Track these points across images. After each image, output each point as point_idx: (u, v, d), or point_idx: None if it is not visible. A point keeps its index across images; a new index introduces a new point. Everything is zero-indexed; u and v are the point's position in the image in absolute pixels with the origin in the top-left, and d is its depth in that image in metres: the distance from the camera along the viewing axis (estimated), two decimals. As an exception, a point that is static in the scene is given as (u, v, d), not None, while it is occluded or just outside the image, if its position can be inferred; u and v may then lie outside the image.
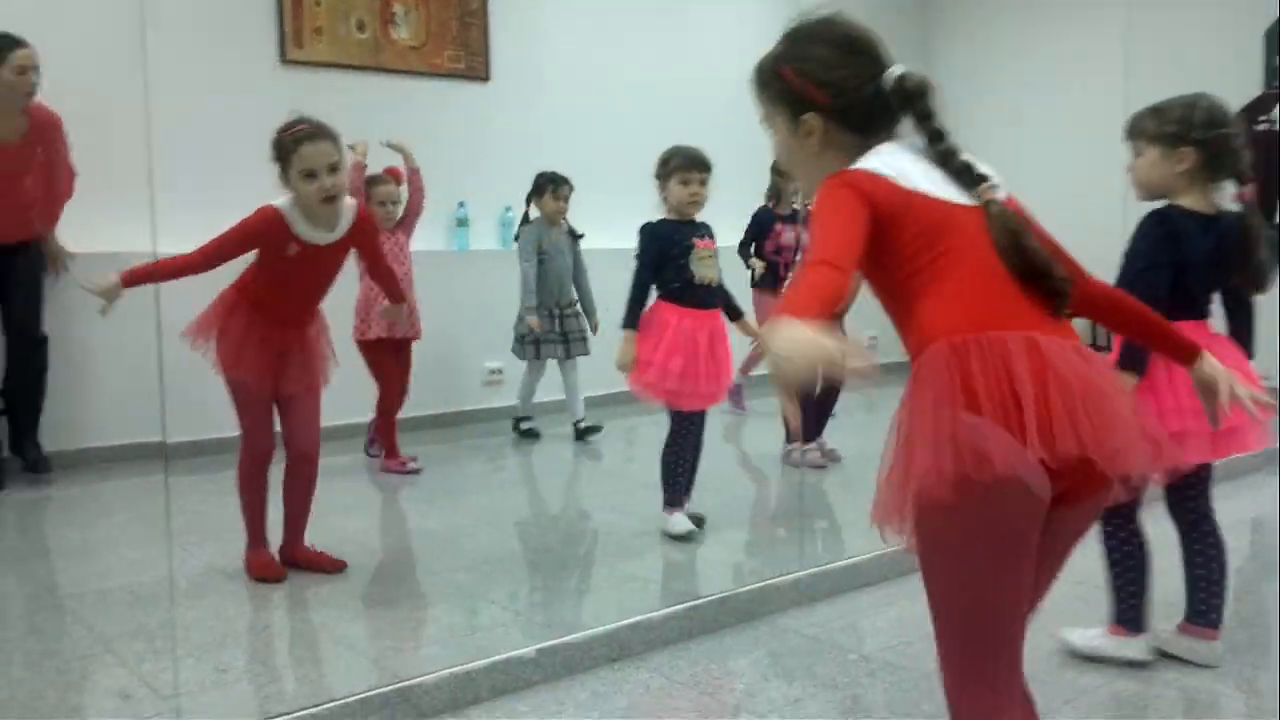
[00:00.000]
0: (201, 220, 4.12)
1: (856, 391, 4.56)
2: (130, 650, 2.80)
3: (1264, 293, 2.65)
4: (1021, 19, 7.63)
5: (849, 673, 2.77)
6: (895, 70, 1.61)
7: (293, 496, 3.39)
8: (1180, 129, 2.53)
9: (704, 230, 3.80)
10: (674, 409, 3.81)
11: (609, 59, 6.48)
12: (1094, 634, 2.79)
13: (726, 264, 3.92)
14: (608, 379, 5.60)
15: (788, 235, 5.86)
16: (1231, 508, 3.07)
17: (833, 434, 4.94)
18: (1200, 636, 2.74)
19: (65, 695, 2.56)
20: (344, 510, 4.11)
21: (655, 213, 3.79)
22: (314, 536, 3.46)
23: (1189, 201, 2.56)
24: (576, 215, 5.67)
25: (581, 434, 5.61)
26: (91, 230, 4.74)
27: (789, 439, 4.99)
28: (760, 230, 5.80)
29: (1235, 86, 3.51)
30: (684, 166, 3.70)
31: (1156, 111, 2.58)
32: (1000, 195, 1.58)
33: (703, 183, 3.73)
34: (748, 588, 3.18)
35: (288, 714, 2.39)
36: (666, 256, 3.72)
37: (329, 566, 3.40)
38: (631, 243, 3.77)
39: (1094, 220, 4.47)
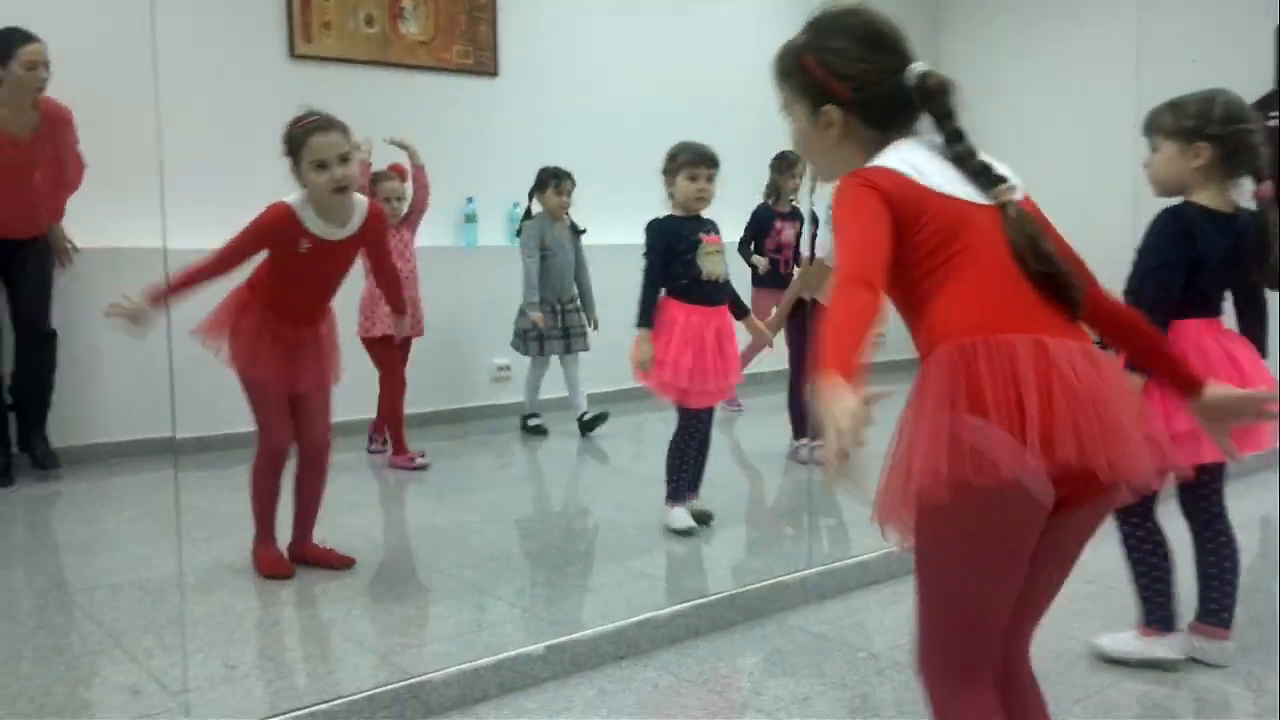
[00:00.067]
0: (210, 214, 4.13)
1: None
2: (139, 646, 2.80)
3: None
4: (1032, 15, 7.60)
5: (858, 671, 2.76)
6: (917, 67, 1.60)
7: (303, 493, 3.40)
8: (1197, 124, 2.51)
9: (710, 226, 3.80)
10: (683, 406, 3.80)
11: (617, 55, 6.47)
12: (1125, 638, 2.77)
13: (728, 262, 3.91)
14: (611, 375, 5.62)
15: (788, 232, 5.86)
16: (1242, 506, 3.06)
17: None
18: (1212, 636, 2.72)
19: (75, 690, 2.56)
20: (351, 507, 4.11)
21: (664, 209, 3.79)
22: (321, 533, 3.46)
23: (1205, 198, 2.54)
24: (584, 211, 5.67)
25: (586, 426, 5.61)
26: (100, 225, 4.76)
27: (796, 435, 4.98)
28: (761, 228, 5.80)
29: (1249, 83, 3.48)
30: (691, 162, 3.70)
31: (1174, 106, 2.56)
32: (1017, 196, 1.57)
33: (710, 178, 3.72)
34: (756, 585, 3.18)
35: (297, 710, 2.39)
36: (673, 253, 3.71)
37: (337, 563, 3.40)
38: (640, 238, 3.76)
39: (1103, 220, 4.47)
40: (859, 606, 3.24)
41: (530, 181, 5.59)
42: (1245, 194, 2.61)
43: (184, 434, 4.75)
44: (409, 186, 4.95)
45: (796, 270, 5.84)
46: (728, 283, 3.84)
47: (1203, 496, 2.73)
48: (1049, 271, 1.52)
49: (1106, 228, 3.83)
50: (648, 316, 3.68)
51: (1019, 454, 1.40)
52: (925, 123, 1.63)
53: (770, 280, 5.75)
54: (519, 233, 5.61)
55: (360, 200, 3.28)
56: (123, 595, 3.19)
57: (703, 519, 3.88)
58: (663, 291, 3.75)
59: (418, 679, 2.54)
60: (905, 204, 1.52)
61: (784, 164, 5.81)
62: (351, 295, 4.59)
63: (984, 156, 1.59)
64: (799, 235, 5.88)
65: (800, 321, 4.76)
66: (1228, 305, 2.72)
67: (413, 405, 5.14)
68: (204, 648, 2.77)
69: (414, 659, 2.71)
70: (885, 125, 1.62)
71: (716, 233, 3.82)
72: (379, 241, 3.44)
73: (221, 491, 4.39)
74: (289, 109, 3.19)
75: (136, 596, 3.18)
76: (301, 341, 3.30)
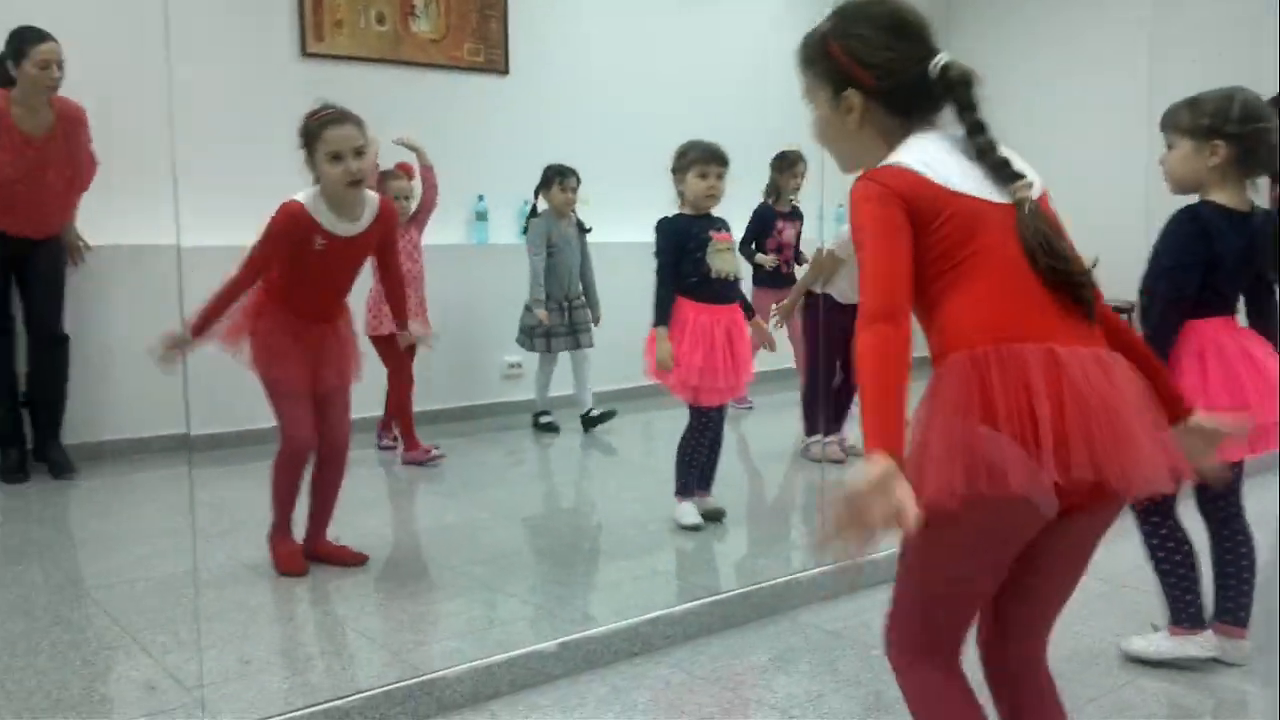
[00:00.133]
0: (223, 212, 4.17)
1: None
2: (155, 641, 2.82)
3: None
4: (1044, 12, 7.57)
5: (871, 668, 2.76)
6: (941, 58, 1.60)
7: (320, 491, 3.41)
8: (1214, 122, 2.49)
9: (720, 224, 3.80)
10: (694, 404, 3.80)
11: (628, 52, 6.47)
12: (1156, 639, 2.76)
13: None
14: (622, 373, 5.63)
15: (789, 232, 5.87)
16: (1254, 504, 3.04)
17: (853, 428, 4.92)
18: (1229, 635, 2.71)
19: (91, 686, 2.57)
20: (363, 504, 4.12)
21: (673, 207, 3.79)
22: (335, 530, 3.47)
23: (1222, 197, 2.53)
24: (595, 209, 5.67)
25: (590, 423, 5.64)
26: (113, 223, 4.77)
27: (809, 431, 4.98)
28: (762, 228, 5.80)
29: (1267, 82, 3.46)
30: (701, 160, 3.69)
31: (1192, 104, 2.54)
32: (1034, 194, 1.56)
33: (720, 176, 3.72)
34: (769, 582, 3.18)
35: (311, 706, 2.40)
36: (683, 251, 3.71)
37: (350, 560, 3.41)
38: (651, 236, 3.76)
39: (1116, 218, 4.45)
40: (872, 604, 3.22)
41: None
42: (1262, 193, 2.59)
43: (198, 431, 4.77)
44: (416, 185, 4.96)
45: (798, 269, 5.87)
46: (738, 281, 3.84)
47: (1220, 496, 2.72)
48: (1059, 269, 1.51)
49: (1120, 226, 3.83)
50: (664, 315, 3.68)
51: (1030, 469, 1.41)
52: (946, 116, 1.63)
53: (772, 280, 5.75)
54: (525, 230, 5.62)
55: (372, 196, 3.28)
56: (138, 591, 3.21)
57: (715, 516, 3.88)
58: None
59: (431, 675, 2.55)
60: (920, 203, 1.51)
61: (784, 164, 5.81)
62: (359, 293, 4.60)
63: (1004, 151, 1.58)
64: (799, 235, 5.89)
65: (814, 317, 4.75)
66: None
67: (424, 402, 5.16)
68: (219, 643, 2.78)
69: (427, 656, 2.72)
70: (906, 114, 1.62)
71: (727, 230, 3.82)
72: (389, 238, 3.44)
73: (235, 488, 4.41)
74: (301, 107, 3.20)
75: (152, 592, 3.19)
76: (321, 339, 3.30)
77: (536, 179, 5.61)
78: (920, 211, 1.51)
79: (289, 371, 3.22)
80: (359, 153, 3.12)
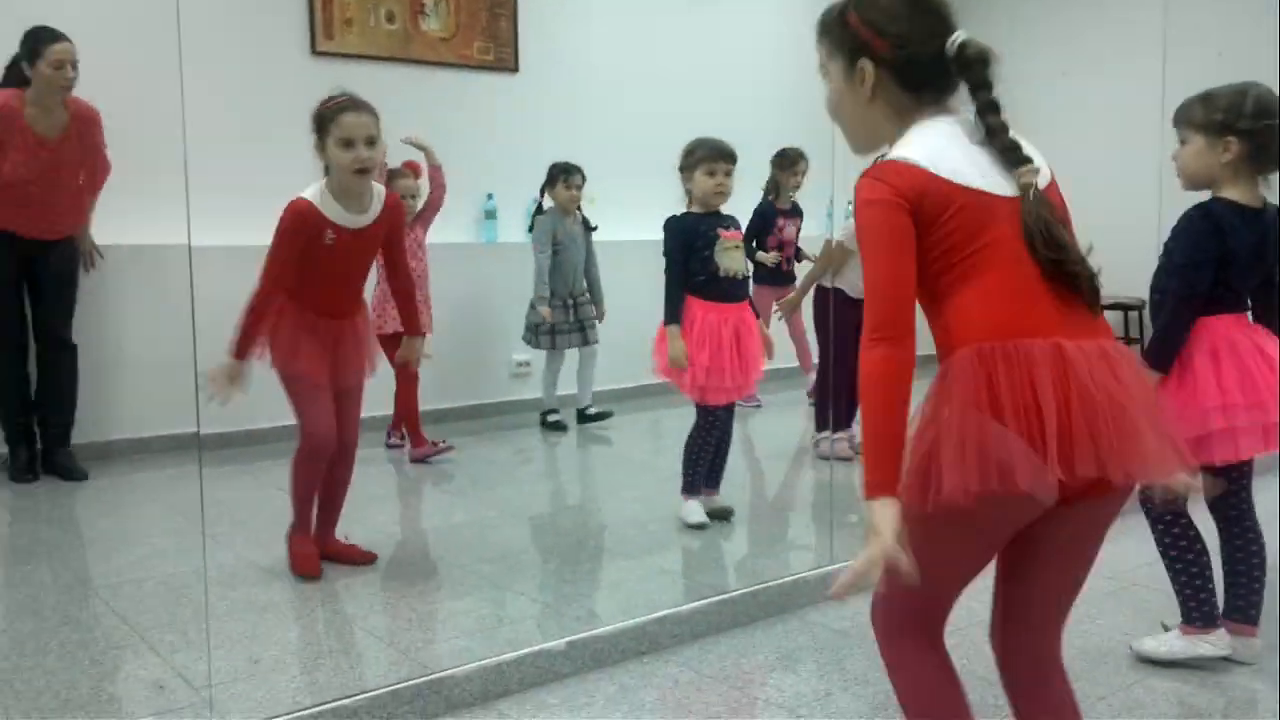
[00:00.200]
0: (233, 210, 4.17)
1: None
2: (163, 641, 2.82)
3: None
4: (1056, 4, 7.53)
5: (879, 668, 2.71)
6: (960, 35, 1.59)
7: (330, 489, 3.40)
8: (1227, 118, 2.48)
9: (730, 222, 3.79)
10: (701, 403, 3.79)
11: (638, 51, 6.46)
12: (1168, 639, 2.74)
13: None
14: (628, 371, 5.63)
15: (790, 229, 5.87)
16: (1264, 502, 3.03)
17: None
18: (1240, 632, 2.70)
19: (99, 685, 2.58)
20: (372, 502, 4.12)
21: (683, 206, 3.78)
22: (343, 529, 3.47)
23: (1234, 193, 2.51)
24: (604, 207, 5.67)
25: (585, 418, 5.68)
26: (123, 222, 4.78)
27: (819, 428, 4.96)
28: (764, 225, 5.80)
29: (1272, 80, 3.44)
30: (709, 157, 3.68)
31: (1205, 99, 2.52)
32: (1041, 181, 1.56)
33: (728, 173, 3.71)
34: (777, 581, 3.17)
35: (320, 705, 2.40)
36: (691, 249, 3.70)
37: (359, 559, 3.41)
38: (660, 235, 3.75)
39: (1128, 213, 4.43)
40: (881, 603, 3.22)
41: (549, 178, 5.62)
42: (1275, 189, 2.58)
43: (206, 430, 4.77)
44: (423, 184, 4.96)
45: (799, 267, 5.88)
46: (747, 279, 3.83)
47: (1230, 494, 2.71)
48: (1058, 259, 1.51)
49: (1131, 225, 3.80)
50: (675, 313, 3.67)
51: (1037, 467, 1.42)
52: (957, 100, 1.63)
53: (772, 277, 5.75)
54: (531, 228, 5.63)
55: (378, 188, 3.28)
56: (146, 590, 3.21)
57: (724, 515, 3.88)
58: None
59: (440, 674, 2.55)
60: (925, 201, 1.51)
61: (785, 161, 5.82)
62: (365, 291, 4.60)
63: (1015, 135, 1.58)
64: (799, 232, 5.89)
65: (824, 312, 4.75)
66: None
67: (433, 401, 5.16)
68: (227, 643, 2.78)
69: (435, 654, 2.72)
70: (919, 89, 1.61)
71: (736, 228, 3.81)
72: (397, 232, 3.42)
73: (243, 487, 4.42)
74: (310, 105, 3.20)
75: (160, 592, 3.20)
76: (339, 335, 3.29)
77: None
78: (925, 209, 1.51)
79: (310, 368, 3.21)
80: (371, 142, 3.11)
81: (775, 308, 5.25)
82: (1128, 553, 3.03)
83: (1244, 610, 2.70)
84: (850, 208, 1.68)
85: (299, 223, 3.13)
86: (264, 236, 3.17)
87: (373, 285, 4.65)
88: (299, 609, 3.11)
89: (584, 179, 5.57)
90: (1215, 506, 2.75)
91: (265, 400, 3.32)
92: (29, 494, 4.38)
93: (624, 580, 3.38)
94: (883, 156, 1.62)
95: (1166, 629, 2.77)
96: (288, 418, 3.34)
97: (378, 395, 4.74)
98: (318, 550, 3.37)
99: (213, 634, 2.81)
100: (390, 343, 4.74)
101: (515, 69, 6.17)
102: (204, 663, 2.64)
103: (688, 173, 3.73)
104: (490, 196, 6.05)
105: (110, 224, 4.79)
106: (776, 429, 5.80)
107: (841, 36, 1.64)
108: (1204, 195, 2.57)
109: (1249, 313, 2.61)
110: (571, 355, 5.72)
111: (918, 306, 1.58)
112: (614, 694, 2.62)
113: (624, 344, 5.42)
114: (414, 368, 4.12)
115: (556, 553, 3.72)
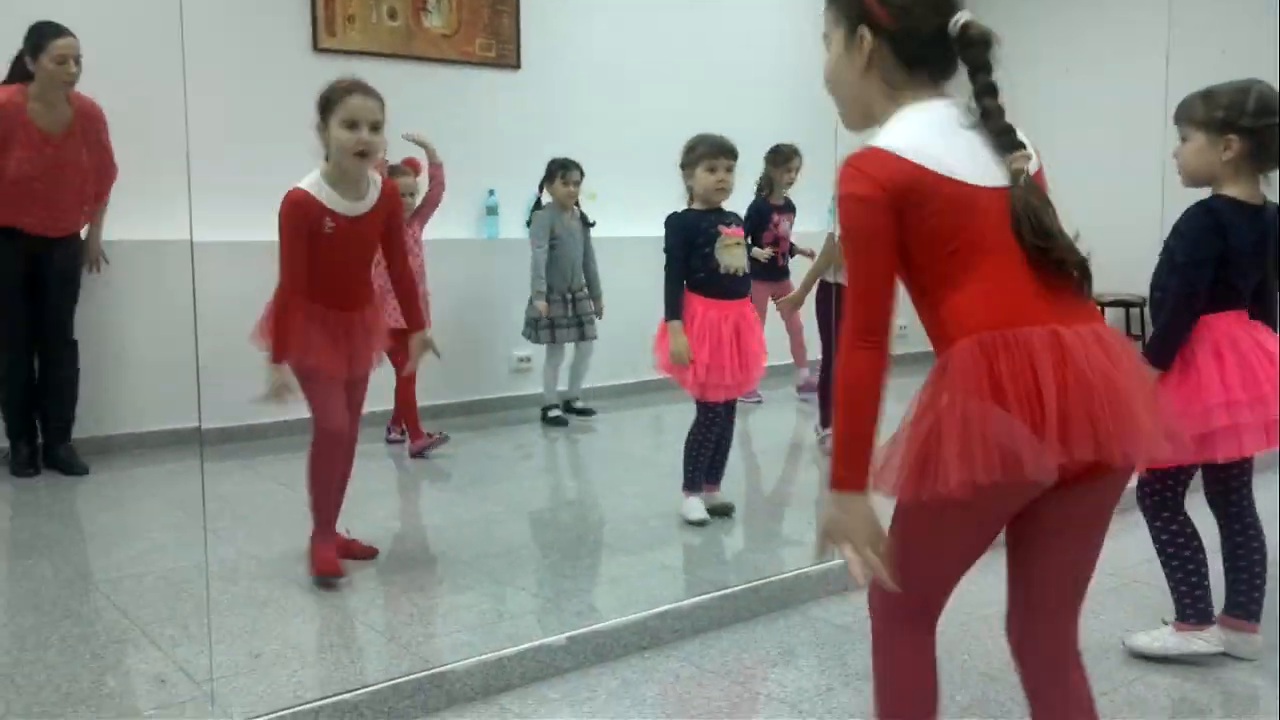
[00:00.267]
0: (235, 206, 4.17)
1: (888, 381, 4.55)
2: (164, 635, 2.82)
3: None
4: (1059, 4, 7.53)
5: (880, 663, 2.75)
6: (963, 15, 1.59)
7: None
8: (1229, 115, 2.48)
9: (731, 218, 3.79)
10: (701, 399, 3.79)
11: (639, 48, 6.46)
12: (1161, 634, 2.74)
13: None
14: (628, 367, 5.64)
15: (784, 225, 5.88)
16: (1264, 499, 3.03)
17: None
18: (1239, 628, 2.70)
19: (101, 679, 2.58)
20: (372, 497, 4.12)
21: (684, 202, 3.78)
22: (344, 524, 3.47)
23: (1234, 191, 2.51)
24: (605, 204, 5.67)
25: (572, 410, 5.73)
26: (127, 219, 4.78)
27: (825, 424, 4.97)
28: (759, 221, 5.80)
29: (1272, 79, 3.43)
30: (711, 154, 3.68)
31: (1207, 96, 2.52)
32: (1030, 168, 1.56)
33: (729, 169, 3.70)
34: (779, 576, 3.17)
35: (321, 699, 2.40)
36: (692, 246, 3.70)
37: (360, 553, 3.41)
38: (661, 231, 3.75)
39: (1130, 211, 4.43)
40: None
41: (552, 174, 5.62)
42: (1275, 187, 2.58)
43: (207, 425, 4.77)
44: (422, 181, 4.96)
45: (793, 262, 5.89)
46: (747, 276, 3.83)
47: (1232, 489, 2.71)
48: (1045, 246, 1.52)
49: (1134, 220, 3.80)
50: (675, 309, 3.67)
51: (1041, 454, 1.44)
52: (951, 87, 1.63)
53: (767, 273, 5.75)
54: (529, 223, 5.64)
55: (375, 177, 3.27)
56: (147, 585, 3.22)
57: (724, 511, 3.88)
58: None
59: (441, 669, 2.55)
60: (908, 193, 1.52)
61: (779, 157, 5.83)
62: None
63: (1009, 120, 1.59)
64: (792, 226, 5.91)
65: (828, 307, 4.75)
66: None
67: (434, 396, 5.16)
68: (228, 637, 2.79)
69: (436, 649, 2.72)
70: (915, 65, 1.61)
71: (737, 224, 3.81)
72: (396, 220, 3.38)
73: (244, 482, 4.43)
74: (313, 102, 3.20)
75: (161, 586, 3.20)
76: (350, 328, 3.28)
77: (547, 174, 5.63)
78: (908, 201, 1.52)
79: (324, 360, 3.19)
80: (375, 127, 3.10)
81: (777, 303, 5.25)
82: (1128, 550, 3.03)
83: (1244, 606, 2.71)
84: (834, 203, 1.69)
85: (298, 213, 3.11)
86: (266, 232, 3.16)
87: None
88: (300, 603, 3.11)
89: (582, 175, 5.58)
90: (1215, 503, 2.75)
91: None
92: (30, 489, 4.39)
93: (625, 575, 3.39)
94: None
95: (1166, 624, 2.78)
96: (288, 413, 3.33)
97: (377, 390, 4.74)
98: (336, 554, 3.30)
99: (214, 628, 2.81)
100: (390, 337, 4.75)
101: (517, 66, 6.17)
102: (205, 657, 2.64)
103: (689, 169, 3.72)
104: (492, 192, 6.05)
105: (113, 220, 4.79)
106: (777, 424, 5.80)
107: (846, 3, 1.65)
108: (1205, 192, 2.57)
109: (1248, 310, 2.61)
110: (571, 350, 5.74)
111: (910, 302, 1.61)
112: (615, 689, 2.63)
113: (625, 340, 5.43)
114: (414, 367, 4.03)
115: (557, 548, 3.73)
